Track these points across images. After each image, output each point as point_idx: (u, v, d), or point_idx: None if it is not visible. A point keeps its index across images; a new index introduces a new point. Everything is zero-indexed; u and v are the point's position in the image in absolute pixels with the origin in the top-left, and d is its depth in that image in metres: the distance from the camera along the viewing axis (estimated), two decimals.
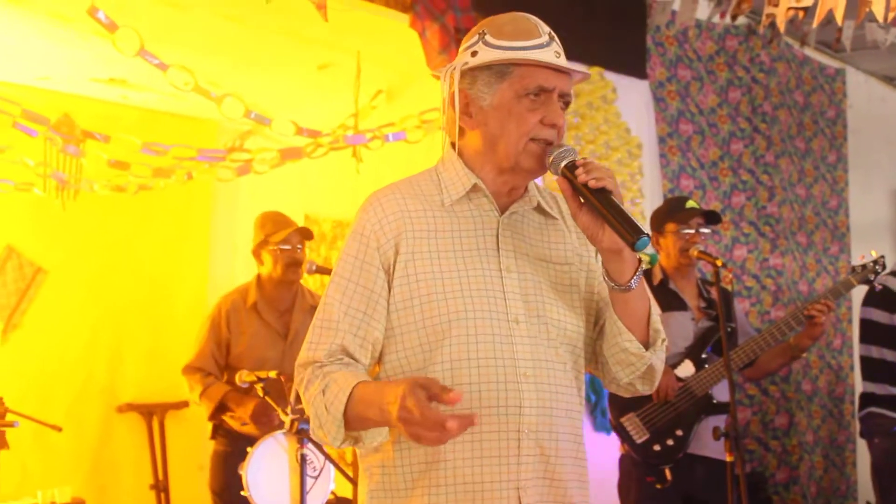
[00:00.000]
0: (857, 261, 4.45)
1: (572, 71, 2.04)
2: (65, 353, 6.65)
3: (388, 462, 2.02)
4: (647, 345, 2.06)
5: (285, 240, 4.61)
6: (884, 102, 7.32)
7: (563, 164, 1.98)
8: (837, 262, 6.78)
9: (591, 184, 1.92)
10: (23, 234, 6.55)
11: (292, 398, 4.00)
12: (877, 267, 4.34)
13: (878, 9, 4.14)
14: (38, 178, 5.46)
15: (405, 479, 2.00)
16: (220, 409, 4.51)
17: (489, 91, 2.02)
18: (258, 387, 4.07)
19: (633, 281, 1.98)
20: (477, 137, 2.06)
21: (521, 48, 2.00)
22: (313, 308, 4.78)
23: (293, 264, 4.62)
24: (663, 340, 2.09)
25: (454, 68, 2.05)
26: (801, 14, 4.51)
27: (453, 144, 2.11)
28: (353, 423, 1.91)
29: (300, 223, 5.27)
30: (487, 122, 2.03)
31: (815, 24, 4.43)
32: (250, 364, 4.41)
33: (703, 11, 5.58)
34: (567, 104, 2.05)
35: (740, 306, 5.34)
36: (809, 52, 6.65)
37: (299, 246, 4.66)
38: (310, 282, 6.57)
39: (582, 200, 1.97)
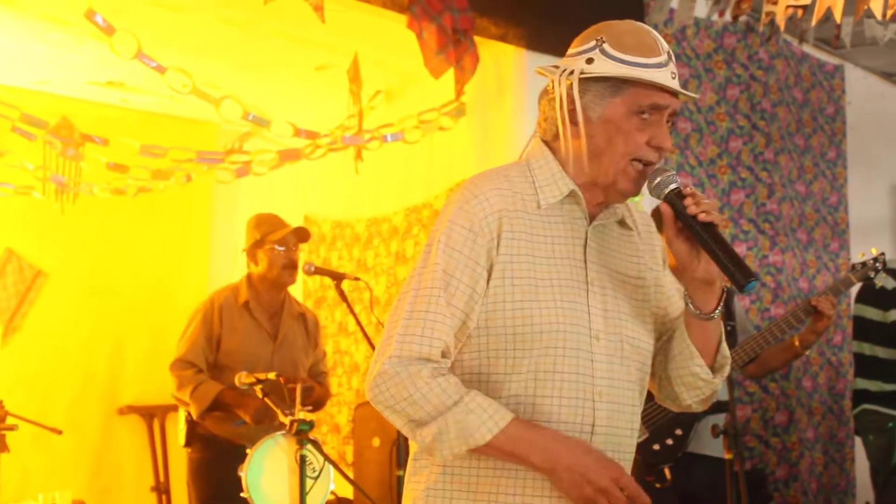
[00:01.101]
0: (857, 258, 4.46)
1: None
2: (65, 356, 6.66)
3: (454, 463, 1.95)
4: (713, 369, 2.05)
5: (282, 240, 4.58)
6: (883, 98, 7.30)
7: (667, 189, 1.94)
8: (838, 258, 6.77)
9: (701, 217, 1.89)
10: (22, 238, 6.57)
11: (298, 399, 4.02)
12: (877, 264, 4.35)
13: (876, 5, 4.14)
14: (38, 182, 5.46)
15: (470, 482, 1.95)
16: (211, 408, 4.38)
17: (601, 103, 1.95)
18: (257, 388, 4.06)
19: (717, 311, 1.98)
20: (578, 146, 1.98)
21: (641, 65, 1.93)
22: (300, 315, 4.77)
23: (289, 266, 4.59)
24: (728, 365, 2.08)
25: (571, 72, 1.97)
26: (799, 12, 4.51)
27: (545, 142, 2.05)
28: (494, 451, 1.87)
29: (300, 224, 5.27)
30: (593, 134, 1.96)
31: (813, 22, 4.43)
32: (241, 361, 4.37)
33: (701, 10, 5.58)
34: (674, 124, 2.01)
35: (741, 304, 5.33)
36: (808, 48, 6.64)
37: (294, 248, 4.65)
38: (308, 283, 6.59)
39: (679, 226, 1.94)
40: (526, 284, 1.93)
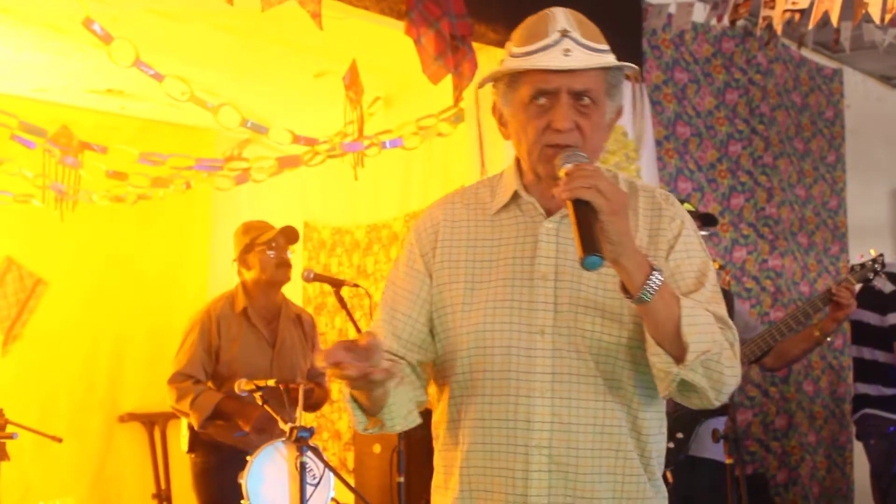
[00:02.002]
0: (856, 260, 4.44)
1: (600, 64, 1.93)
2: (66, 364, 6.66)
3: (435, 461, 2.09)
4: (678, 359, 1.85)
5: (271, 241, 4.59)
6: (881, 102, 7.31)
7: (560, 171, 1.87)
8: (838, 262, 6.77)
9: (563, 196, 1.80)
10: (22, 246, 6.57)
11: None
12: (875, 266, 4.33)
13: (874, 10, 4.14)
14: (37, 190, 5.47)
15: (442, 478, 2.07)
16: (212, 417, 4.38)
17: (506, 101, 1.99)
18: (257, 396, 4.05)
19: (642, 293, 1.81)
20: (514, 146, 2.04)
21: (525, 54, 1.93)
22: (296, 317, 4.77)
23: (282, 264, 4.60)
24: (702, 353, 1.84)
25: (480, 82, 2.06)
26: (797, 16, 4.51)
27: None
28: (360, 400, 1.94)
29: (299, 231, 5.27)
30: (511, 132, 2.01)
31: (810, 26, 4.43)
32: (241, 371, 4.37)
33: (699, 14, 5.59)
34: (593, 100, 1.93)
35: (744, 306, 5.33)
36: (806, 52, 6.65)
37: (284, 248, 4.65)
38: (308, 289, 6.59)
39: None
40: (461, 289, 2.00)
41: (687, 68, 6.01)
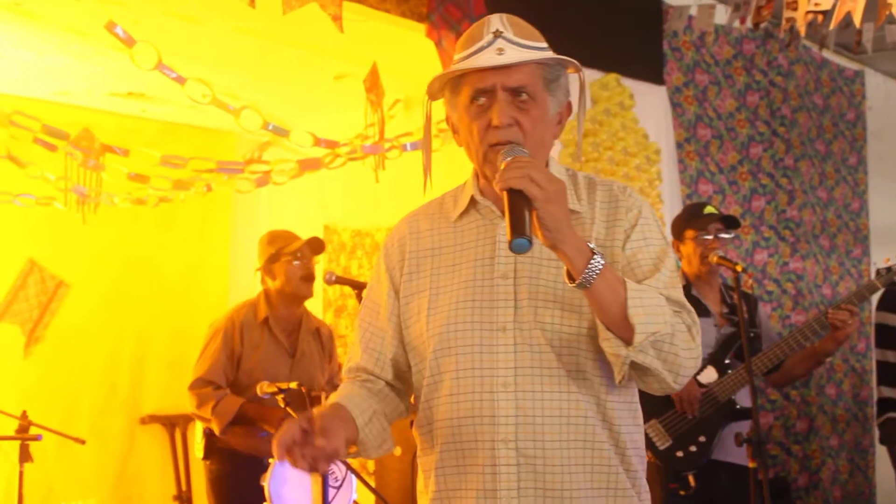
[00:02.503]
0: (881, 264, 4.42)
1: (539, 58, 1.97)
2: (87, 366, 6.68)
3: (418, 466, 2.15)
4: (629, 342, 1.87)
5: (297, 252, 4.58)
6: None
7: (502, 164, 1.89)
8: (860, 264, 6.74)
9: (497, 186, 1.85)
10: (44, 248, 6.60)
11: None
12: None
13: None
14: (59, 193, 5.49)
15: (423, 482, 2.12)
16: (233, 423, 4.37)
17: (452, 107, 2.06)
18: (279, 398, 4.05)
19: (584, 277, 1.83)
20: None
21: (462, 58, 1.99)
22: (315, 330, 4.77)
23: (307, 278, 4.58)
24: (651, 335, 1.86)
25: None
26: (819, 17, 4.49)
27: None
28: None
29: (319, 233, 5.27)
30: (462, 137, 2.07)
31: (831, 27, 4.41)
32: (261, 380, 4.37)
33: (720, 16, 5.57)
34: (530, 96, 1.97)
35: (765, 311, 5.31)
36: (827, 54, 6.62)
37: (310, 260, 4.65)
38: (329, 292, 6.60)
39: None
40: (427, 297, 2.07)
41: (708, 70, 6.00)
